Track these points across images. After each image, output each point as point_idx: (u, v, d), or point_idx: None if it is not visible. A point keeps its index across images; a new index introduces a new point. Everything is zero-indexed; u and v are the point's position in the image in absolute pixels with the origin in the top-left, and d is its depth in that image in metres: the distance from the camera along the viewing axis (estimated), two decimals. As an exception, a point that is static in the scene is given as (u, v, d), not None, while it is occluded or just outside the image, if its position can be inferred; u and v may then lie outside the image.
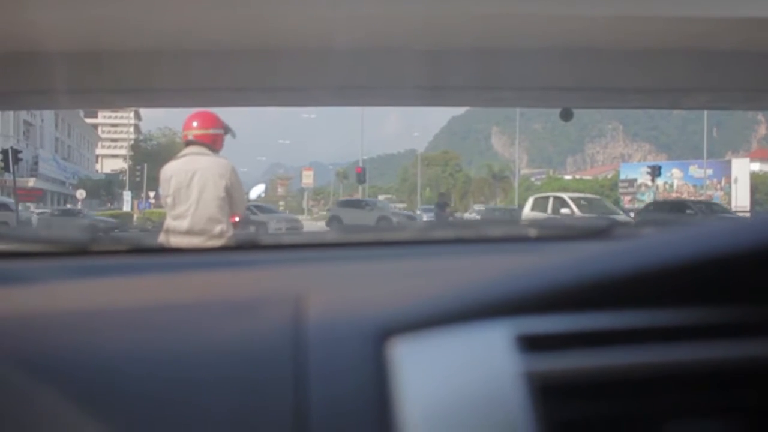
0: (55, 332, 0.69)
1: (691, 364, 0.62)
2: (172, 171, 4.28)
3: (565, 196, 21.66)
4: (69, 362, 0.65)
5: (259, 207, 32.13)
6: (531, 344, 0.62)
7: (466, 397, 0.59)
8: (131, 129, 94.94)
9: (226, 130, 4.56)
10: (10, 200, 36.14)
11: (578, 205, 20.01)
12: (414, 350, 0.62)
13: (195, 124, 4.43)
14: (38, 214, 38.24)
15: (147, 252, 1.27)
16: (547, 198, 21.91)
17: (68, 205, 51.48)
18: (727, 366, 0.63)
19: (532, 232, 1.51)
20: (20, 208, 35.83)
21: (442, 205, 26.69)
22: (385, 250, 1.35)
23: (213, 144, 4.42)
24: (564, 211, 19.52)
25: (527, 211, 21.68)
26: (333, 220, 31.26)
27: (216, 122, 4.49)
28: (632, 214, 25.58)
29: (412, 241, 1.46)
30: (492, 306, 0.64)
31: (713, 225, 0.66)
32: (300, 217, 42.39)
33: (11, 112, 53.81)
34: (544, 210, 20.63)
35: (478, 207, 61.58)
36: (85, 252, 1.19)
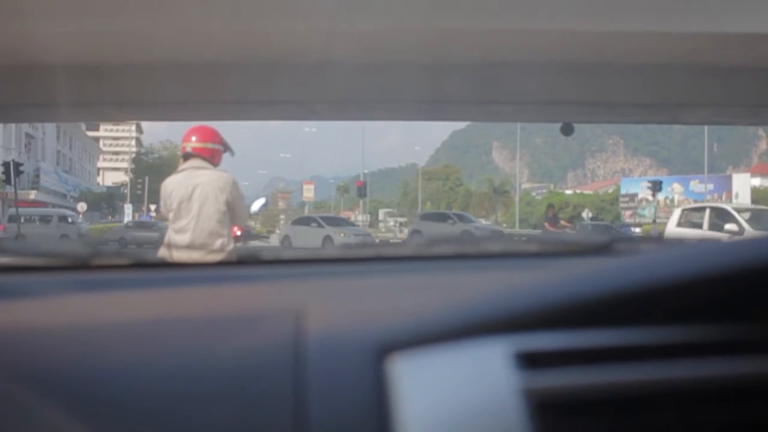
0: (55, 346, 0.70)
1: (690, 381, 0.62)
2: (173, 185, 4.29)
3: (728, 207, 16.75)
4: (70, 376, 0.65)
5: (327, 219, 31.01)
6: (530, 361, 0.62)
7: (464, 413, 0.59)
8: (132, 142, 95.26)
9: (226, 147, 4.57)
10: (71, 212, 35.96)
11: (746, 219, 15.02)
12: (413, 366, 0.62)
13: (194, 138, 4.45)
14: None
15: (148, 266, 1.28)
16: (702, 210, 16.85)
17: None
18: (727, 383, 0.63)
19: (532, 248, 1.50)
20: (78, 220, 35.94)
21: (553, 219, 20.04)
22: (385, 265, 1.35)
23: (211, 158, 4.42)
24: (729, 227, 14.58)
25: (672, 228, 16.76)
26: (414, 234, 28.62)
27: (215, 137, 4.50)
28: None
29: (413, 256, 1.46)
30: (491, 322, 0.65)
31: (713, 242, 0.66)
32: None
33: (13, 125, 53.87)
34: (697, 225, 15.74)
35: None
36: (87, 266, 1.19)
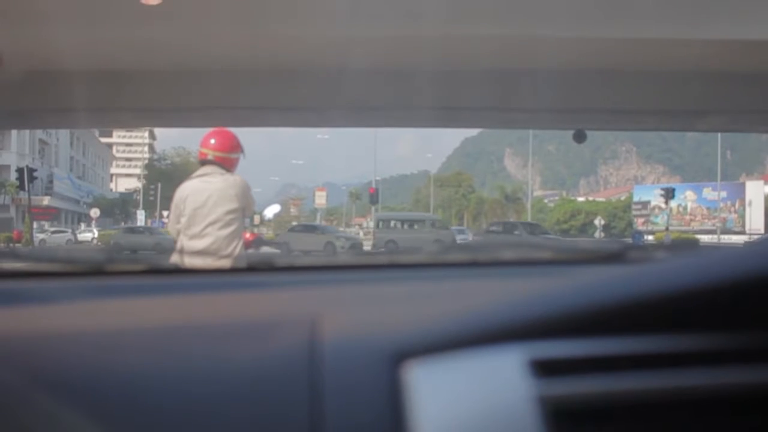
0: (72, 352, 0.70)
1: (704, 389, 0.62)
2: (187, 191, 4.29)
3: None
4: (86, 382, 0.65)
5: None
6: (544, 368, 0.62)
7: (479, 420, 0.59)
8: (145, 148, 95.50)
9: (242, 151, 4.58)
10: (436, 216, 34.69)
11: None
12: (428, 373, 0.63)
13: (213, 141, 4.44)
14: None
15: (163, 273, 1.28)
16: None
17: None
18: (739, 391, 0.63)
19: (546, 256, 1.50)
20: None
21: None
22: (399, 272, 1.35)
23: (230, 166, 4.43)
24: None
25: None
26: None
27: (235, 145, 4.50)
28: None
29: (427, 263, 1.46)
30: (505, 330, 0.65)
31: (725, 251, 0.66)
32: None
33: (27, 131, 54.18)
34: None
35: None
36: (102, 272, 1.20)
